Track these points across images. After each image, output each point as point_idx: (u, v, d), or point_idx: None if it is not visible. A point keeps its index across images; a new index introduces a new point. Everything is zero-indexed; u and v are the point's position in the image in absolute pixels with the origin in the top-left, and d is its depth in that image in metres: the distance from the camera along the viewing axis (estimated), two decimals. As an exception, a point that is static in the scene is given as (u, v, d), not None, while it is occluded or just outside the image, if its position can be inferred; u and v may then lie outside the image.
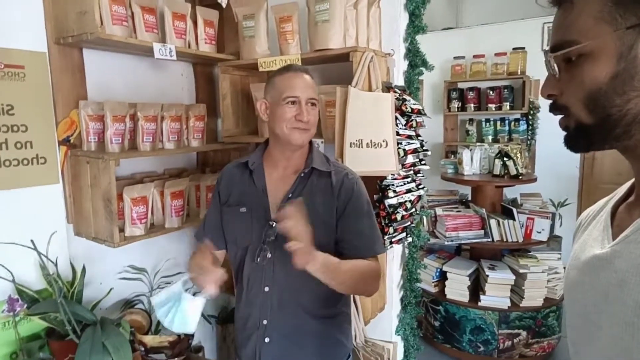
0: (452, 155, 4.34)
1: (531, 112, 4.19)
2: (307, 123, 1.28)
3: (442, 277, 3.21)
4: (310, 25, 1.74)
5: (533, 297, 3.00)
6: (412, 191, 1.79)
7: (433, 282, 3.22)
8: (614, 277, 0.58)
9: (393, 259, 1.98)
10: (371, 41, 1.79)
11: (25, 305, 1.33)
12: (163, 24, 1.76)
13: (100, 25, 1.48)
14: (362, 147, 1.64)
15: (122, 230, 1.62)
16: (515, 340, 3.02)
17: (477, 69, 4.44)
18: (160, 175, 2.03)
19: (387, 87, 1.76)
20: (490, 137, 4.42)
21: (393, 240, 1.78)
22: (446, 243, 3.15)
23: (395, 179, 1.73)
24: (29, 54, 1.43)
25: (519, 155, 3.15)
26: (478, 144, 4.00)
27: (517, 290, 3.05)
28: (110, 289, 1.68)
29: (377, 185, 1.74)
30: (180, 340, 1.65)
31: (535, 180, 3.24)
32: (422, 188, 1.87)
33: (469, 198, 3.59)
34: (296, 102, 1.27)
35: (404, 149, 1.72)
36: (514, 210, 3.06)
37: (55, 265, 1.41)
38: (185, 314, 1.17)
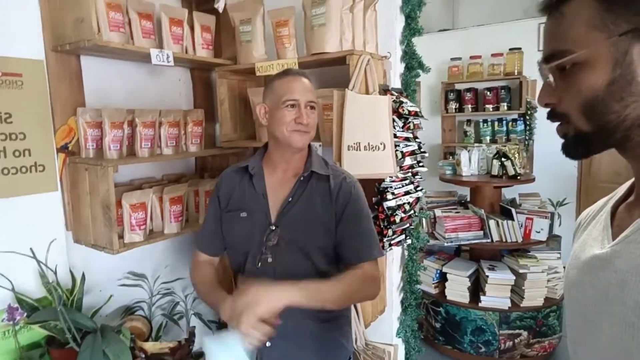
0: (450, 157, 4.34)
1: (528, 112, 4.20)
2: (307, 126, 1.28)
3: (442, 278, 3.21)
4: (307, 29, 1.75)
5: (533, 297, 3.00)
6: (410, 193, 1.79)
7: (433, 283, 3.22)
8: (613, 277, 0.58)
9: (393, 261, 1.98)
10: (367, 44, 1.80)
11: (25, 314, 1.33)
12: (160, 30, 1.76)
13: (98, 32, 1.48)
14: (359, 150, 1.64)
15: (121, 236, 1.62)
16: (516, 341, 3.02)
17: (474, 70, 4.45)
18: (158, 181, 2.03)
19: (384, 90, 1.76)
20: (488, 138, 4.43)
21: (392, 242, 1.78)
22: (445, 244, 3.15)
23: (393, 181, 1.73)
24: (26, 61, 1.43)
25: (517, 155, 3.16)
26: (476, 144, 4.01)
27: (517, 290, 3.05)
28: (110, 296, 1.68)
29: (375, 188, 1.75)
30: (181, 346, 1.64)
31: (533, 180, 3.25)
32: (421, 190, 1.87)
33: (468, 199, 3.60)
34: (295, 105, 1.28)
35: (401, 151, 1.72)
36: (513, 210, 3.07)
37: (55, 273, 1.41)
38: None
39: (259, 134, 2.04)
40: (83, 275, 1.51)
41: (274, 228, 1.31)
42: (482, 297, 3.03)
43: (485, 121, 4.47)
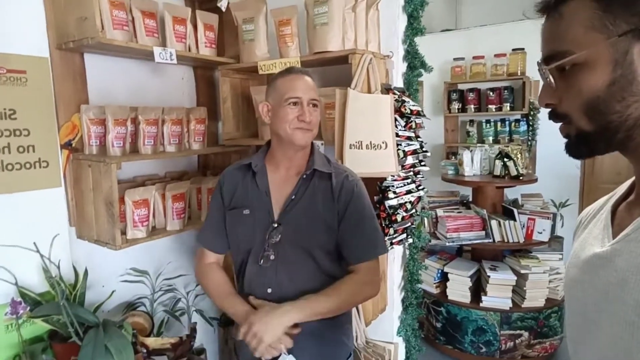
0: (453, 157, 4.34)
1: (531, 112, 4.19)
2: (310, 123, 1.29)
3: (444, 278, 3.21)
4: (310, 28, 1.75)
5: (535, 298, 2.99)
6: (412, 192, 1.79)
7: (434, 283, 3.23)
8: (614, 276, 0.58)
9: (394, 260, 1.99)
10: (370, 43, 1.80)
11: (28, 308, 1.34)
12: (163, 28, 1.77)
13: (101, 30, 1.50)
14: (361, 148, 1.65)
15: (124, 233, 1.63)
16: (517, 341, 3.01)
17: (476, 70, 4.44)
18: (161, 178, 2.04)
19: (386, 89, 1.77)
20: (490, 138, 4.42)
21: (394, 241, 1.78)
22: (447, 244, 3.15)
23: (395, 180, 1.73)
24: (30, 59, 1.44)
25: (519, 155, 3.16)
26: (479, 145, 4.00)
27: (518, 290, 3.05)
28: (113, 292, 1.69)
29: (377, 187, 1.75)
30: (182, 342, 1.65)
31: (535, 180, 3.25)
32: (422, 189, 1.87)
33: (470, 199, 3.59)
34: (298, 103, 1.29)
35: (403, 150, 1.73)
36: (515, 210, 3.06)
37: (58, 267, 1.42)
38: None
39: (261, 132, 2.05)
40: (86, 270, 1.53)
41: (276, 226, 1.31)
42: (483, 297, 3.03)
43: (488, 121, 4.47)
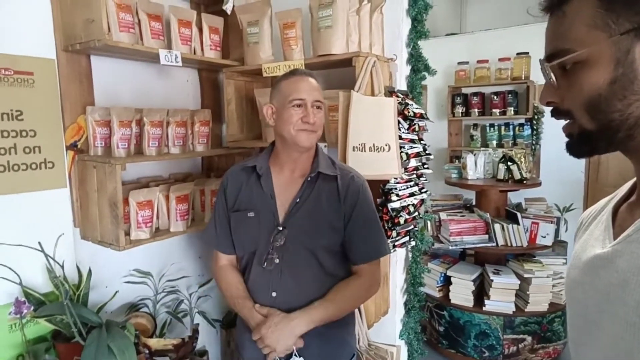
0: (457, 160, 4.34)
1: (535, 116, 4.18)
2: (314, 125, 1.30)
3: (447, 281, 3.20)
4: (314, 31, 1.76)
5: (538, 302, 2.98)
6: (414, 195, 1.79)
7: (437, 286, 3.22)
8: (615, 277, 0.58)
9: (396, 262, 1.99)
10: (374, 46, 1.81)
11: (32, 308, 1.35)
12: (169, 31, 1.78)
13: (108, 33, 1.51)
14: (364, 151, 1.65)
15: (127, 234, 1.64)
16: (520, 346, 3.00)
17: (481, 74, 4.44)
18: (165, 179, 2.05)
19: (390, 92, 1.77)
20: (494, 142, 4.41)
21: (396, 244, 1.78)
22: (450, 248, 3.14)
23: (398, 182, 1.73)
24: (38, 60, 1.46)
25: (523, 159, 3.15)
26: (482, 148, 4.00)
27: (521, 295, 3.03)
28: (116, 292, 1.70)
29: (379, 189, 1.75)
30: (185, 343, 1.66)
31: (539, 184, 3.24)
32: (425, 192, 1.87)
33: (473, 203, 3.58)
34: (302, 104, 1.29)
35: (406, 153, 1.73)
36: (519, 214, 3.05)
37: (62, 268, 1.43)
38: None
39: (265, 134, 2.05)
40: (89, 271, 1.53)
41: (281, 229, 1.32)
42: (486, 301, 3.02)
43: (492, 125, 4.46)
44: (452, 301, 3.13)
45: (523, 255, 3.20)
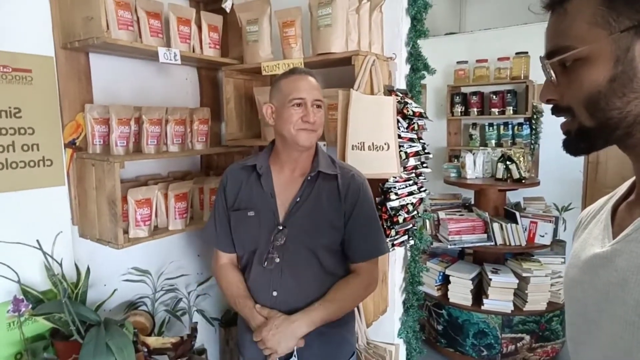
0: (455, 160, 4.34)
1: (534, 116, 4.19)
2: (314, 124, 1.29)
3: (445, 280, 3.21)
4: (313, 30, 1.76)
5: (536, 301, 2.98)
6: (413, 194, 1.79)
7: (436, 285, 3.22)
8: (614, 276, 0.58)
9: (395, 261, 1.99)
10: (373, 45, 1.81)
11: (30, 306, 1.35)
12: (168, 29, 1.78)
13: (107, 30, 1.50)
14: (364, 149, 1.65)
15: (126, 232, 1.64)
16: (518, 345, 3.00)
17: (480, 73, 4.44)
18: (164, 177, 2.05)
19: (389, 91, 1.77)
20: (493, 141, 4.42)
21: (395, 242, 1.78)
22: (449, 247, 3.14)
23: (397, 181, 1.73)
24: (36, 58, 1.45)
25: (521, 159, 3.15)
26: (481, 148, 4.00)
27: (520, 294, 3.04)
28: (114, 291, 1.69)
29: (378, 188, 1.75)
30: (183, 342, 1.66)
31: (538, 184, 3.24)
32: (424, 191, 1.87)
33: (472, 202, 3.59)
34: (302, 104, 1.29)
35: (405, 152, 1.73)
36: (517, 214, 3.06)
37: (60, 266, 1.42)
38: None
39: (264, 132, 2.05)
40: (88, 269, 1.53)
41: (281, 228, 1.32)
42: (484, 300, 3.02)
43: (491, 125, 4.47)
44: (451, 300, 3.13)
45: (521, 254, 3.21)
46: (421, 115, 1.78)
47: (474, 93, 4.52)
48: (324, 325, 1.29)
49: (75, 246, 1.62)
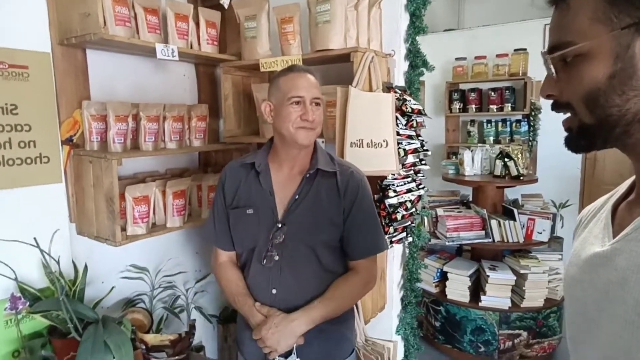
0: (454, 156, 4.34)
1: (533, 113, 4.19)
2: (313, 122, 1.29)
3: (443, 277, 3.22)
4: (312, 26, 1.75)
5: (534, 298, 3.00)
6: (412, 191, 1.79)
7: (434, 282, 3.23)
8: (614, 275, 0.58)
9: (393, 258, 1.99)
10: (372, 42, 1.80)
11: (28, 304, 1.34)
12: (165, 25, 1.77)
13: (104, 26, 1.49)
14: (362, 146, 1.65)
15: (124, 229, 1.63)
16: (515, 341, 3.02)
17: (478, 70, 4.44)
18: (162, 175, 2.04)
19: (388, 88, 1.77)
20: (491, 138, 4.42)
21: (393, 239, 1.78)
22: (447, 243, 3.15)
23: (395, 178, 1.73)
24: (33, 54, 1.44)
25: (520, 156, 3.15)
26: (479, 144, 4.00)
27: (517, 290, 3.05)
28: (112, 288, 1.69)
29: (377, 185, 1.75)
30: (181, 339, 1.65)
31: (536, 181, 3.25)
32: (423, 188, 1.87)
33: (470, 199, 3.60)
34: (301, 102, 1.28)
35: (404, 149, 1.73)
36: (515, 210, 3.07)
37: (58, 263, 1.42)
38: None
39: (262, 129, 2.04)
40: (85, 266, 1.53)
41: (280, 225, 1.31)
42: (482, 297, 3.03)
43: (489, 121, 4.47)
44: (449, 297, 3.14)
45: (519, 251, 3.22)
46: (420, 112, 1.78)
47: (472, 90, 4.51)
48: (323, 323, 1.29)
49: (72, 243, 1.61)
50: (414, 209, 1.82)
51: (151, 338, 1.60)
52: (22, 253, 1.36)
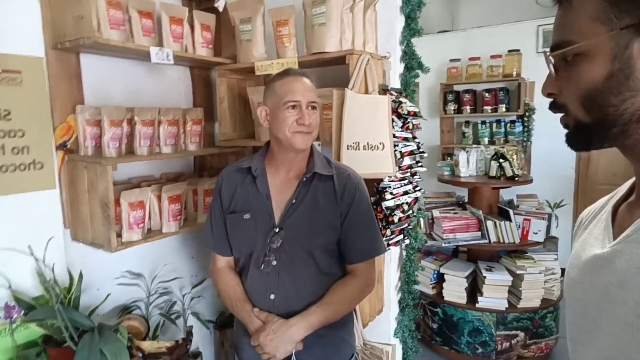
0: (449, 158, 4.36)
1: (527, 113, 4.22)
2: (309, 126, 1.28)
3: (440, 279, 3.22)
4: (307, 29, 1.75)
5: (530, 298, 3.00)
6: (409, 193, 1.79)
7: (431, 284, 3.23)
8: (614, 277, 0.58)
9: (391, 261, 1.99)
10: (367, 44, 1.80)
11: (22, 312, 1.32)
12: (160, 28, 1.76)
13: (98, 30, 1.48)
14: (359, 149, 1.64)
15: (119, 235, 1.62)
16: (513, 342, 3.02)
17: (472, 71, 4.46)
18: (157, 179, 2.03)
19: (384, 90, 1.77)
20: (486, 139, 4.44)
21: (390, 242, 1.78)
22: (443, 245, 3.15)
23: (392, 181, 1.73)
24: (26, 59, 1.42)
25: (514, 156, 3.17)
26: (474, 145, 4.02)
27: (514, 291, 3.06)
28: (108, 295, 1.67)
29: (374, 188, 1.75)
30: (179, 345, 1.64)
31: (531, 181, 3.26)
32: (419, 190, 1.87)
33: (466, 200, 3.60)
34: (297, 106, 1.27)
35: (400, 151, 1.73)
36: (511, 211, 3.08)
37: (52, 271, 1.40)
38: None
39: (258, 133, 2.03)
40: (81, 273, 1.51)
41: (277, 230, 1.30)
42: (479, 298, 3.04)
43: (483, 122, 4.49)
44: (446, 298, 3.14)
45: (515, 251, 3.23)
46: (416, 115, 1.78)
47: (467, 91, 4.54)
48: (323, 328, 1.28)
49: (67, 250, 1.59)
50: (410, 211, 1.82)
51: (148, 345, 1.58)
52: (16, 261, 1.35)
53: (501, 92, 4.34)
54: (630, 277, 0.55)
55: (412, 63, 1.97)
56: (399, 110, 1.74)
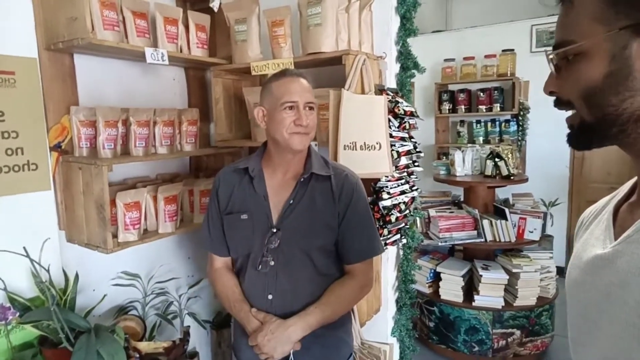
0: (444, 157, 4.37)
1: (521, 113, 4.23)
2: (307, 127, 1.28)
3: (436, 277, 3.23)
4: (303, 29, 1.75)
5: (526, 297, 3.02)
6: (405, 193, 1.79)
7: (427, 283, 3.24)
8: (615, 277, 0.58)
9: (388, 260, 1.99)
10: (363, 44, 1.80)
11: (18, 314, 1.32)
12: (155, 29, 1.75)
13: (92, 31, 1.47)
14: (355, 149, 1.65)
15: (115, 236, 1.61)
16: (509, 340, 3.04)
17: (467, 71, 4.47)
18: (153, 180, 2.02)
19: (380, 90, 1.77)
20: (481, 138, 4.46)
21: (388, 242, 1.78)
22: (440, 244, 3.16)
23: (389, 180, 1.73)
24: (19, 60, 1.42)
25: (510, 155, 3.18)
26: (469, 145, 4.03)
27: (510, 289, 3.07)
28: (104, 296, 1.66)
29: (371, 188, 1.75)
30: (176, 346, 1.63)
31: (526, 180, 3.27)
32: (416, 189, 1.88)
33: (462, 199, 3.61)
34: (294, 107, 1.27)
35: (397, 151, 1.73)
36: (506, 210, 3.09)
37: (48, 272, 1.39)
38: None
39: (254, 133, 2.03)
40: (76, 274, 1.50)
41: (275, 231, 1.30)
42: (475, 297, 3.05)
43: (478, 122, 4.50)
44: (442, 297, 3.15)
45: (511, 250, 3.24)
46: (412, 114, 1.78)
47: (462, 90, 4.55)
48: (321, 328, 1.28)
49: (62, 251, 1.58)
50: (407, 211, 1.82)
51: (145, 346, 1.57)
52: (11, 262, 1.34)
53: (495, 92, 4.35)
54: (632, 277, 0.55)
55: (407, 63, 1.97)
56: (396, 110, 1.74)
